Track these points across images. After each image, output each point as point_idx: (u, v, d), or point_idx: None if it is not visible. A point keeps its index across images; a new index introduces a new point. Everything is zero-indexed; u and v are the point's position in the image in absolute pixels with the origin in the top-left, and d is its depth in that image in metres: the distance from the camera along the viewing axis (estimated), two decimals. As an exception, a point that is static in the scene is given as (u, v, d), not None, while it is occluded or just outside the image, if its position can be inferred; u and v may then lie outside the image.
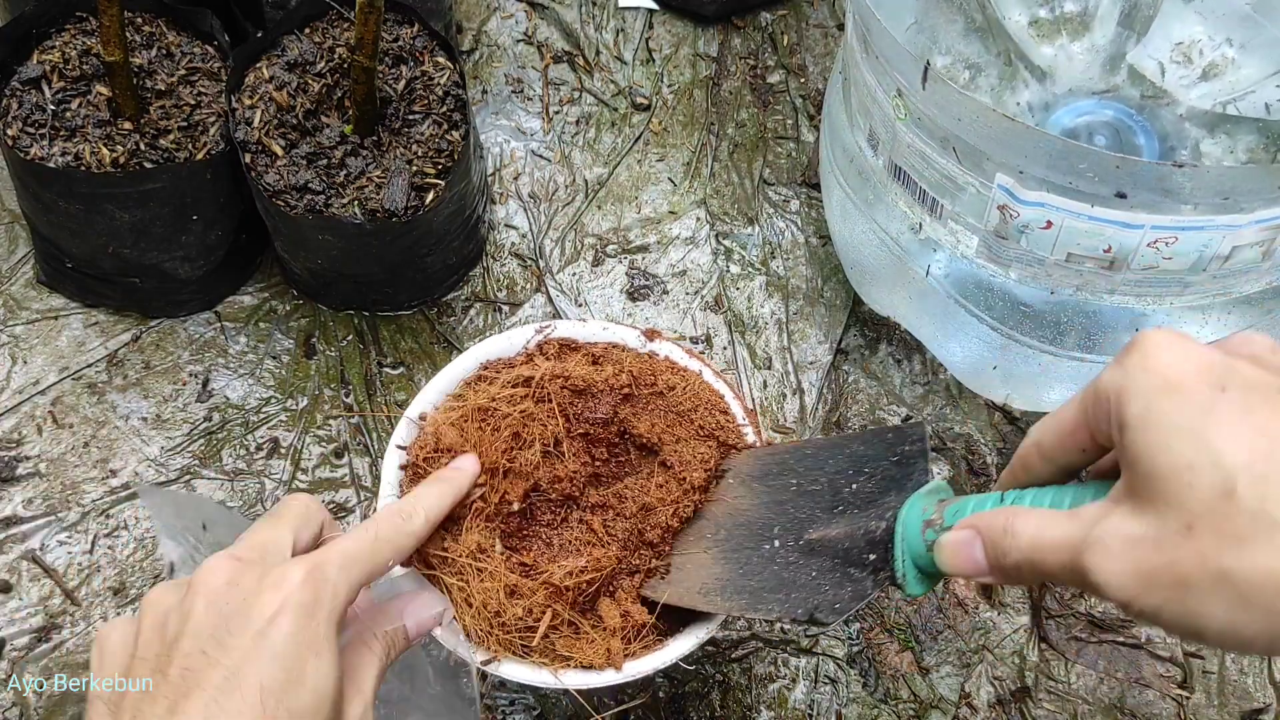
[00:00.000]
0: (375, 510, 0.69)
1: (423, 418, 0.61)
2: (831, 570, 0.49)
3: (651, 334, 0.63)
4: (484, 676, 0.52)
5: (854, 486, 0.52)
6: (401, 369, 0.78)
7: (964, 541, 0.39)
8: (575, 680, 0.54)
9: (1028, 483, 0.41)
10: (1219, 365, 0.33)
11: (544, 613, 0.54)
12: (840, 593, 0.48)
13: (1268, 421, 0.32)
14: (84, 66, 0.75)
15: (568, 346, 0.63)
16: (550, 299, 0.81)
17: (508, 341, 0.62)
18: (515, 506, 0.56)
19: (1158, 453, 0.32)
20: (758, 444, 0.61)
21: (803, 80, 0.93)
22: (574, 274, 0.83)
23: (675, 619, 0.58)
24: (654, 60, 0.94)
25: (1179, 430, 0.32)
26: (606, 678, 0.54)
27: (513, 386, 0.59)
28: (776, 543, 0.54)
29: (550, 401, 0.58)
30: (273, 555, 0.43)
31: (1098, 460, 0.39)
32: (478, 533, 0.55)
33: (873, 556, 0.47)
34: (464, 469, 0.55)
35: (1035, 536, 0.36)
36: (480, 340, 0.64)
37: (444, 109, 0.76)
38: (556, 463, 0.57)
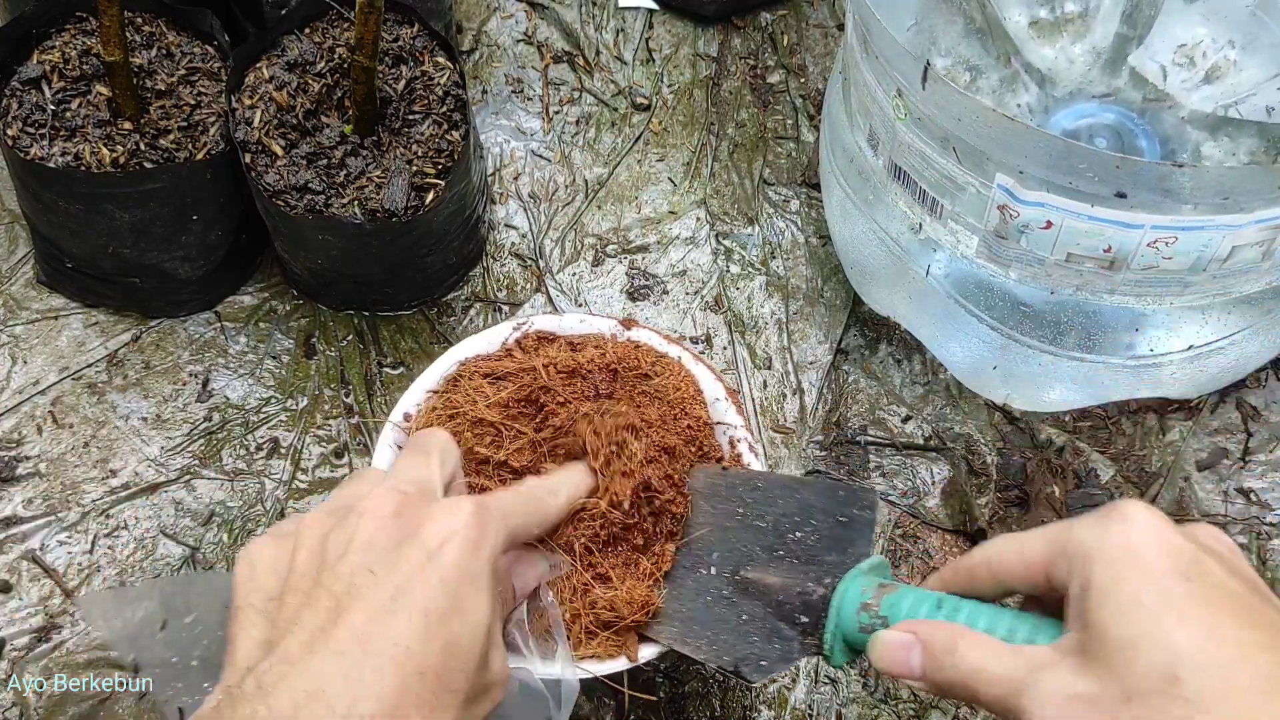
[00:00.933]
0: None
1: (407, 417, 0.61)
2: (762, 620, 0.50)
3: (629, 323, 0.63)
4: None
5: (797, 535, 0.53)
6: (401, 369, 0.78)
7: (903, 645, 0.42)
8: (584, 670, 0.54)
9: (965, 591, 0.43)
10: (1188, 555, 0.36)
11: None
12: (768, 649, 0.49)
13: (1220, 621, 0.34)
14: (84, 66, 0.75)
15: (546, 339, 0.63)
16: (550, 299, 0.81)
17: (485, 341, 0.62)
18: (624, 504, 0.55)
19: (1113, 622, 0.35)
20: (741, 425, 0.60)
21: (803, 80, 0.93)
22: (574, 274, 0.83)
23: None
24: (654, 60, 0.94)
25: (1139, 607, 0.35)
26: (617, 664, 0.54)
27: (497, 379, 0.59)
28: (713, 569, 0.54)
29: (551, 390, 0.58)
30: (428, 490, 0.44)
31: (1041, 593, 0.41)
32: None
33: (805, 619, 0.49)
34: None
35: (978, 665, 0.39)
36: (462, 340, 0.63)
37: (444, 109, 0.76)
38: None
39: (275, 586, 0.41)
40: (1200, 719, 0.33)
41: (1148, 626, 0.35)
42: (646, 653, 0.54)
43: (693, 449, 0.59)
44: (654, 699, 0.65)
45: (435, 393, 0.61)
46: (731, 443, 0.60)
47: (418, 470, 0.45)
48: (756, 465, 0.60)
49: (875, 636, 0.43)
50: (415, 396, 0.61)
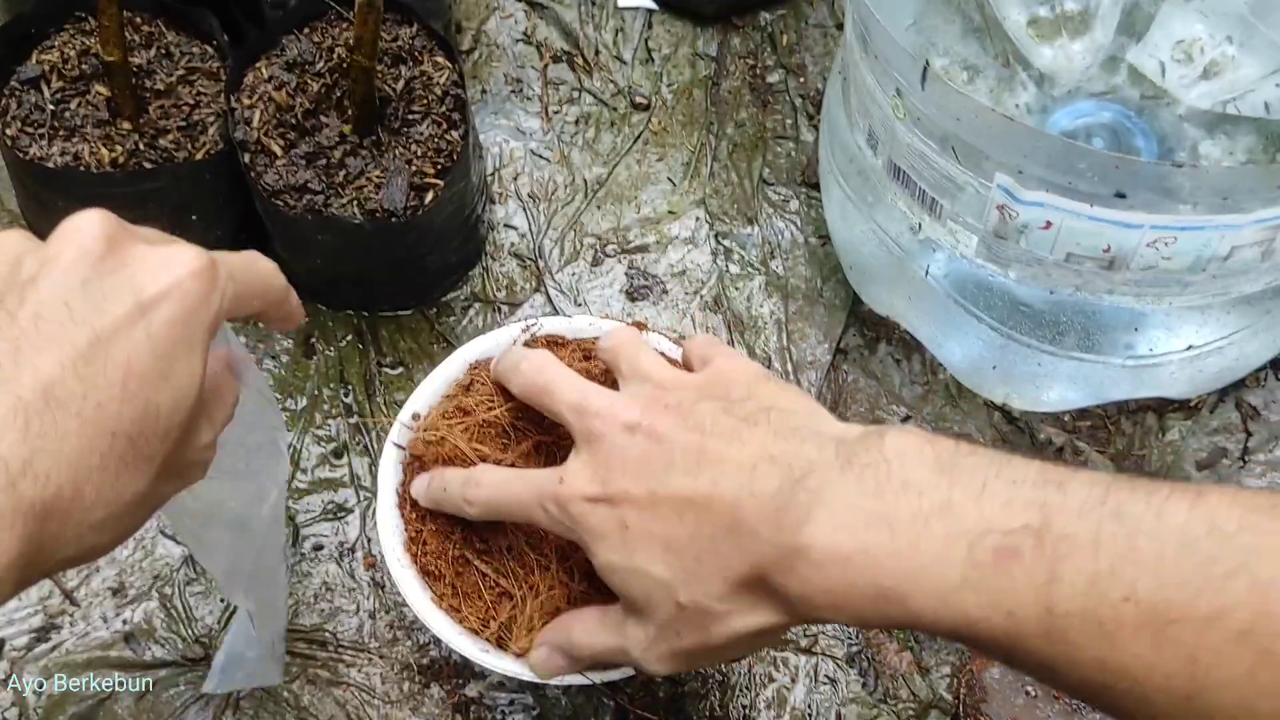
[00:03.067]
0: (375, 512, 0.69)
1: (416, 417, 0.61)
2: None
3: (640, 326, 0.63)
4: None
5: None
6: (401, 369, 0.78)
7: (544, 657, 0.53)
8: (578, 676, 0.54)
9: None
10: (611, 506, 0.46)
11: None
12: None
13: (667, 536, 0.44)
14: (83, 66, 0.75)
15: (555, 343, 0.63)
16: (550, 299, 0.81)
17: (494, 341, 0.62)
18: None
19: (626, 589, 0.46)
20: None
21: (802, 80, 0.93)
22: (573, 274, 0.83)
23: None
24: (653, 60, 0.94)
25: (626, 571, 0.45)
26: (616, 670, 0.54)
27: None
28: None
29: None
30: (156, 234, 0.39)
31: None
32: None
33: None
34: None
35: (591, 646, 0.50)
36: (470, 341, 0.64)
37: (443, 109, 0.76)
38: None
39: None
40: (709, 614, 0.44)
41: (640, 582, 0.46)
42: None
43: None
44: (654, 719, 0.65)
45: (447, 396, 0.61)
46: None
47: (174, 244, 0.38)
48: None
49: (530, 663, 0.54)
50: (426, 397, 0.61)
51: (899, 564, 0.38)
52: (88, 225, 0.36)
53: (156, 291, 0.35)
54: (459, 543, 0.59)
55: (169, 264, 0.36)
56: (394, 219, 0.72)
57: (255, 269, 0.42)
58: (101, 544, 0.36)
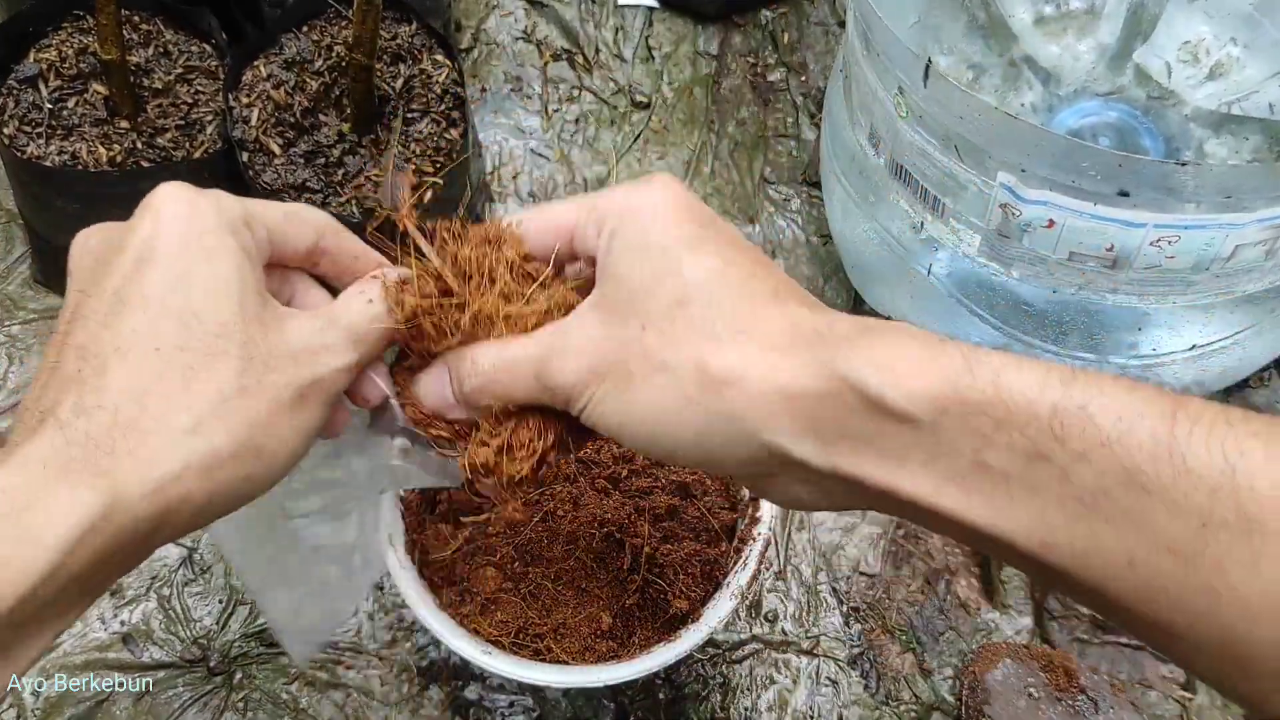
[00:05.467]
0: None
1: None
2: None
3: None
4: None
5: None
6: (400, 369, 0.78)
7: (434, 378, 0.41)
8: (580, 677, 0.54)
9: None
10: (707, 213, 0.37)
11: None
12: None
13: (726, 253, 0.36)
14: (81, 65, 0.75)
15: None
16: (550, 298, 0.81)
17: None
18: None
19: (632, 267, 0.36)
20: None
21: (803, 78, 0.92)
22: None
23: (669, 624, 0.58)
24: (654, 58, 0.94)
25: (653, 248, 0.36)
26: (617, 673, 0.54)
27: None
28: None
29: None
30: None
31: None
32: None
33: None
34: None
35: (497, 358, 0.38)
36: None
37: (442, 107, 0.76)
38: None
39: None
40: (709, 331, 0.34)
41: (661, 263, 0.35)
42: (654, 662, 0.54)
43: None
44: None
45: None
46: None
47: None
48: None
49: (415, 384, 0.41)
50: None
51: (997, 353, 0.32)
52: (87, 233, 0.37)
53: (146, 234, 0.36)
54: (460, 543, 0.59)
55: (148, 208, 0.37)
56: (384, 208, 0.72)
57: (293, 212, 0.41)
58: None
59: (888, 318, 0.78)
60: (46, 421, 0.34)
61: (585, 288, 0.39)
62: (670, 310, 0.35)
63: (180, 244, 0.36)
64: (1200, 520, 0.29)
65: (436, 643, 0.67)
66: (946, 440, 0.32)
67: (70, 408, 0.34)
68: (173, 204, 0.37)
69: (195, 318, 0.35)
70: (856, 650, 0.68)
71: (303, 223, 0.41)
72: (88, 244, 0.37)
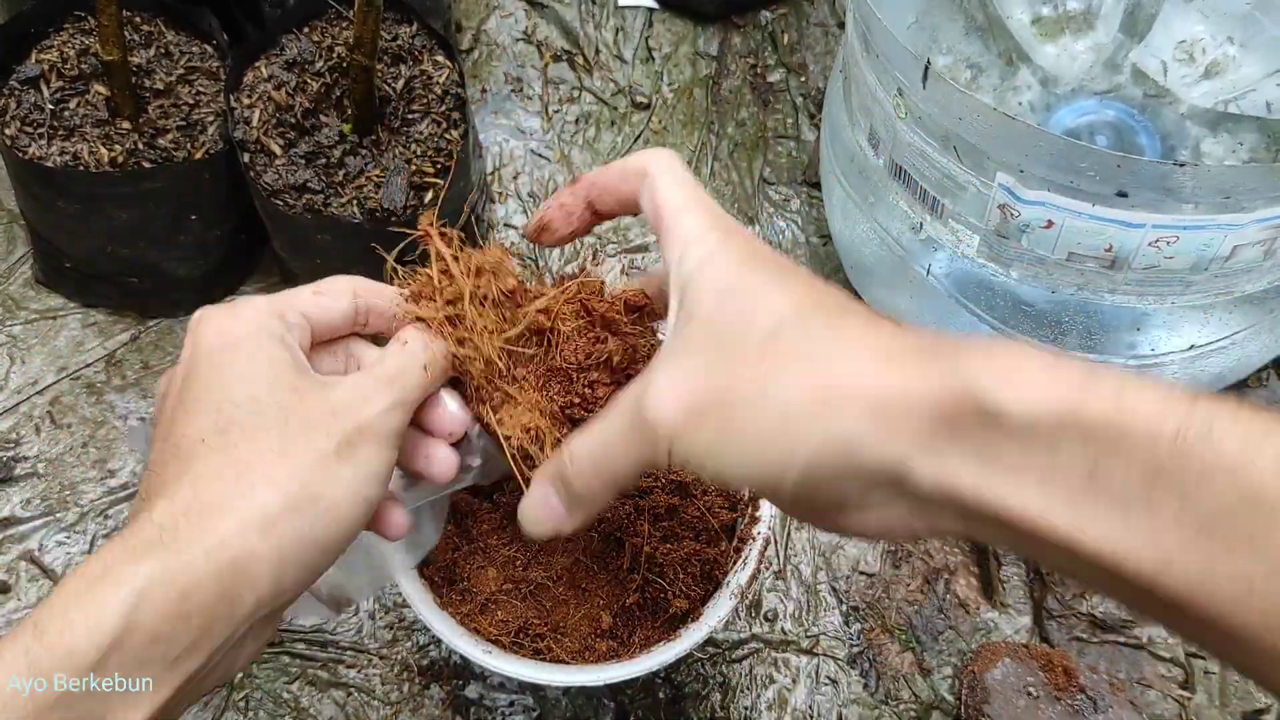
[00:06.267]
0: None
1: None
2: None
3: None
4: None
5: None
6: (401, 369, 0.78)
7: (540, 500, 0.41)
8: (580, 676, 0.54)
9: (591, 220, 0.47)
10: (767, 248, 0.38)
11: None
12: None
13: (807, 285, 0.36)
14: (82, 66, 0.75)
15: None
16: (550, 298, 0.81)
17: None
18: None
19: (717, 308, 0.36)
20: None
21: (803, 79, 0.93)
22: (574, 273, 0.82)
23: (667, 625, 0.58)
24: (654, 59, 0.94)
25: (736, 288, 0.36)
26: (615, 672, 0.54)
27: None
28: None
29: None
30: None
31: None
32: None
33: None
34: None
35: (595, 440, 0.38)
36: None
37: (443, 108, 0.76)
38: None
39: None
40: (812, 355, 0.34)
41: (748, 302, 0.35)
42: (653, 661, 0.54)
43: None
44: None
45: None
46: None
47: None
48: None
49: (519, 511, 0.42)
50: None
51: (1104, 367, 0.32)
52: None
53: (194, 344, 0.41)
54: (461, 541, 0.59)
55: (197, 323, 0.41)
56: (394, 218, 0.72)
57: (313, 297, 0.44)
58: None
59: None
60: (127, 527, 0.38)
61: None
62: (765, 344, 0.34)
63: (216, 352, 0.40)
64: None
65: (437, 642, 0.67)
66: (1064, 456, 0.30)
67: (145, 509, 0.38)
68: (207, 323, 0.41)
69: (232, 404, 0.39)
70: (856, 649, 0.68)
71: (334, 293, 0.44)
72: (163, 382, 0.42)
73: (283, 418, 0.39)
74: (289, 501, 0.37)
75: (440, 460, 0.44)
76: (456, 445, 0.45)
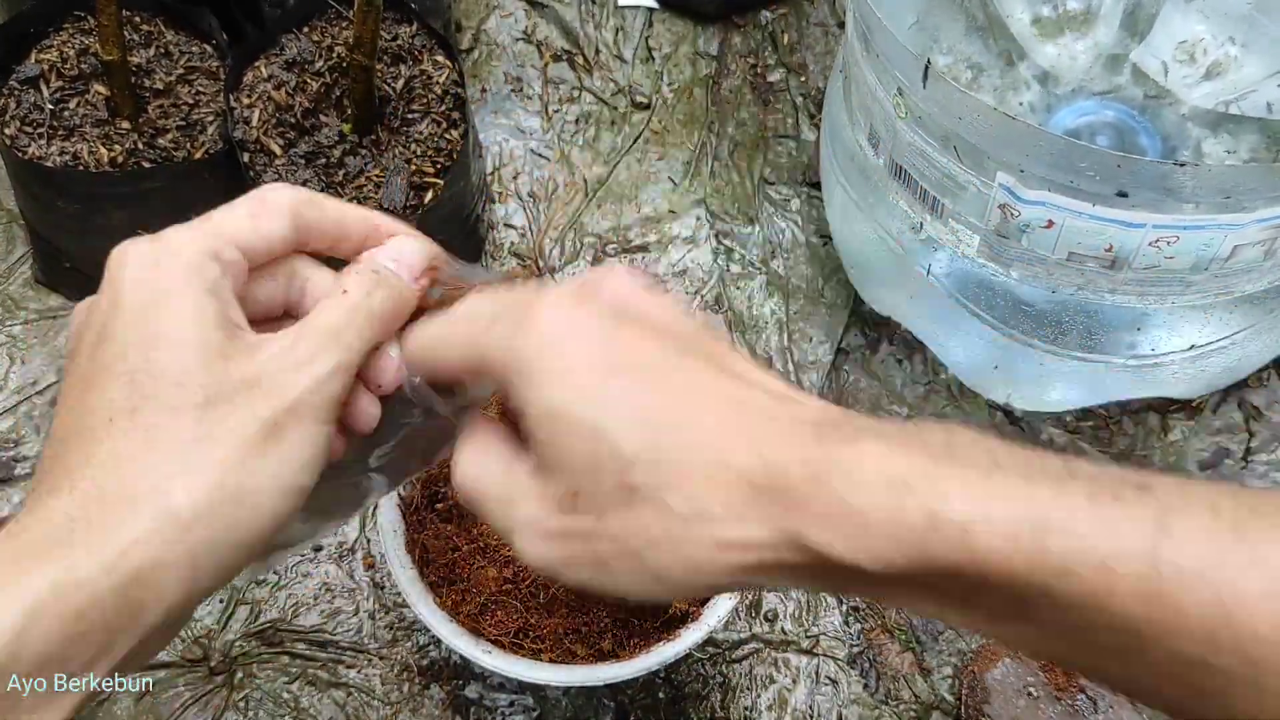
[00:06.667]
0: (376, 512, 0.69)
1: None
2: None
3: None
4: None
5: None
6: (401, 369, 0.78)
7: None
8: (580, 676, 0.54)
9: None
10: (603, 342, 0.33)
11: None
12: None
13: (654, 402, 0.33)
14: (82, 65, 0.75)
15: None
16: (550, 298, 0.81)
17: None
18: None
19: (562, 448, 0.33)
20: None
21: (803, 79, 0.93)
22: (574, 273, 0.82)
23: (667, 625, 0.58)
24: (654, 59, 0.94)
25: (577, 425, 0.32)
26: (611, 672, 0.54)
27: None
28: None
29: None
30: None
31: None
32: None
33: None
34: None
35: (479, 490, 0.36)
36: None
37: (443, 108, 0.76)
38: None
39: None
40: (668, 512, 0.32)
41: (593, 445, 0.32)
42: (655, 659, 0.54)
43: None
44: None
45: None
46: None
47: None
48: None
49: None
50: None
51: (965, 489, 0.30)
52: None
53: (113, 289, 0.35)
54: (461, 541, 0.59)
55: (117, 258, 0.36)
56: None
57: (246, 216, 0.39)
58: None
59: (887, 319, 0.78)
60: (18, 520, 0.33)
61: None
62: (621, 496, 0.32)
63: (138, 309, 0.35)
64: (1202, 659, 0.29)
65: (437, 641, 0.67)
66: (935, 588, 0.31)
67: (34, 497, 0.33)
68: (128, 268, 0.36)
69: (148, 376, 0.34)
70: (856, 649, 0.68)
71: (270, 213, 0.38)
72: (74, 323, 0.36)
73: (203, 396, 0.34)
74: (205, 501, 0.33)
75: (360, 413, 0.38)
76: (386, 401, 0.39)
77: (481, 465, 0.36)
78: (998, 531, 0.29)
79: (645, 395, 0.33)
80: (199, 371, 0.34)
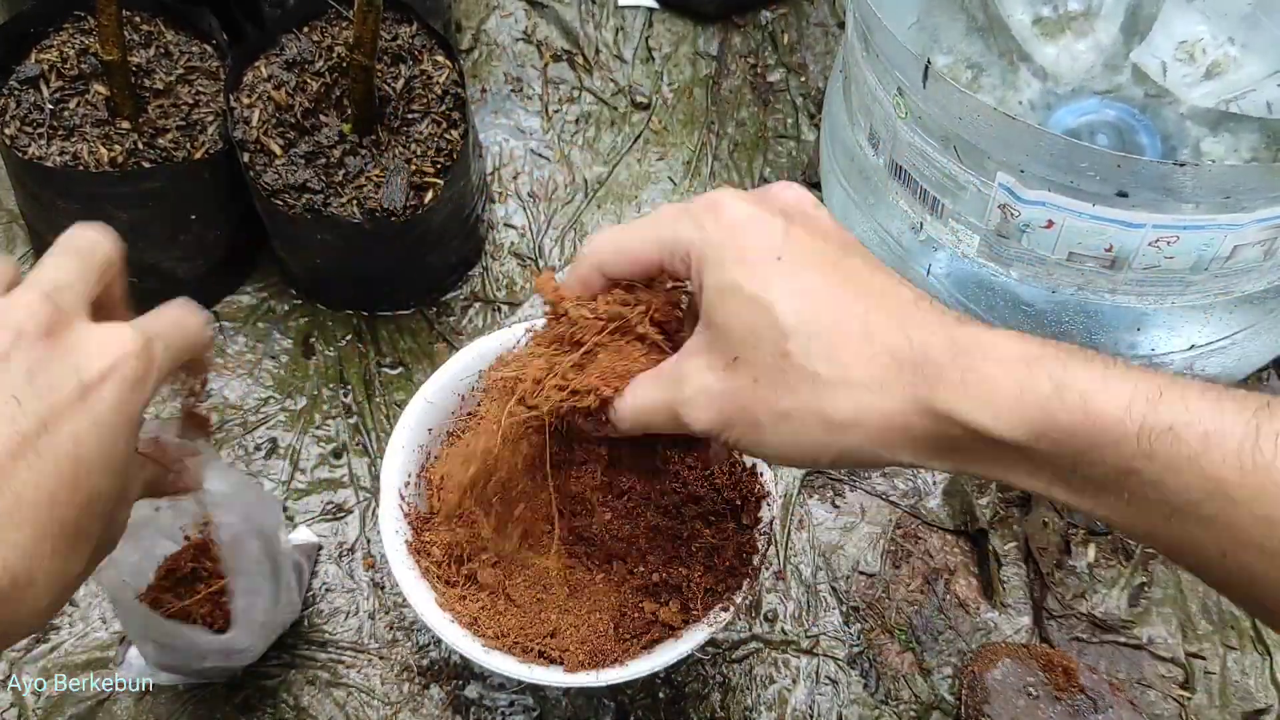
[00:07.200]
0: (376, 512, 0.69)
1: (430, 402, 0.61)
2: None
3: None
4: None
5: None
6: (400, 369, 0.78)
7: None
8: (580, 677, 0.54)
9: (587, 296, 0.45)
10: (778, 232, 0.39)
11: None
12: None
13: (815, 285, 0.38)
14: (82, 66, 0.75)
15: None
16: (550, 298, 0.81)
17: (498, 342, 0.62)
18: None
19: (731, 318, 0.39)
20: None
21: (803, 79, 0.93)
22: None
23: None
24: (654, 59, 0.94)
25: (747, 300, 0.38)
26: (609, 676, 0.54)
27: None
28: None
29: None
30: (78, 304, 0.38)
31: None
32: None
33: None
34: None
35: (639, 403, 0.42)
36: (475, 340, 0.63)
37: (443, 108, 0.76)
38: None
39: None
40: (816, 378, 0.37)
41: (755, 315, 0.38)
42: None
43: None
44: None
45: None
46: None
47: (69, 274, 0.39)
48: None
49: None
50: (436, 389, 0.62)
51: (1089, 368, 0.35)
52: (28, 312, 0.36)
53: (99, 373, 0.35)
54: (462, 541, 0.59)
55: (112, 344, 0.36)
56: (393, 218, 0.72)
57: (183, 328, 0.41)
58: (37, 624, 0.35)
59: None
60: None
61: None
62: (776, 363, 0.38)
63: (117, 411, 0.36)
64: None
65: (437, 641, 0.67)
66: (1048, 456, 0.35)
67: None
68: (131, 360, 0.37)
69: (99, 504, 0.35)
70: (856, 650, 0.68)
71: (187, 353, 0.41)
72: None
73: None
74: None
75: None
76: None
77: (648, 382, 0.42)
78: (1114, 398, 0.34)
79: (808, 279, 0.38)
80: None
